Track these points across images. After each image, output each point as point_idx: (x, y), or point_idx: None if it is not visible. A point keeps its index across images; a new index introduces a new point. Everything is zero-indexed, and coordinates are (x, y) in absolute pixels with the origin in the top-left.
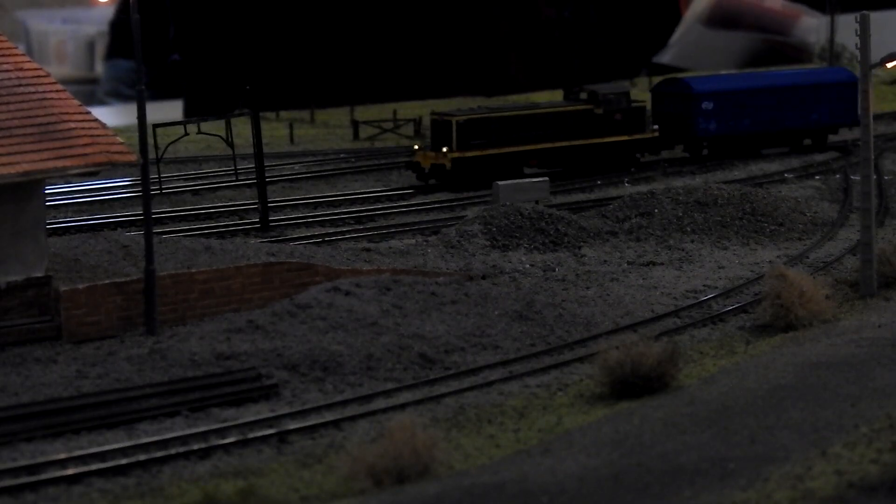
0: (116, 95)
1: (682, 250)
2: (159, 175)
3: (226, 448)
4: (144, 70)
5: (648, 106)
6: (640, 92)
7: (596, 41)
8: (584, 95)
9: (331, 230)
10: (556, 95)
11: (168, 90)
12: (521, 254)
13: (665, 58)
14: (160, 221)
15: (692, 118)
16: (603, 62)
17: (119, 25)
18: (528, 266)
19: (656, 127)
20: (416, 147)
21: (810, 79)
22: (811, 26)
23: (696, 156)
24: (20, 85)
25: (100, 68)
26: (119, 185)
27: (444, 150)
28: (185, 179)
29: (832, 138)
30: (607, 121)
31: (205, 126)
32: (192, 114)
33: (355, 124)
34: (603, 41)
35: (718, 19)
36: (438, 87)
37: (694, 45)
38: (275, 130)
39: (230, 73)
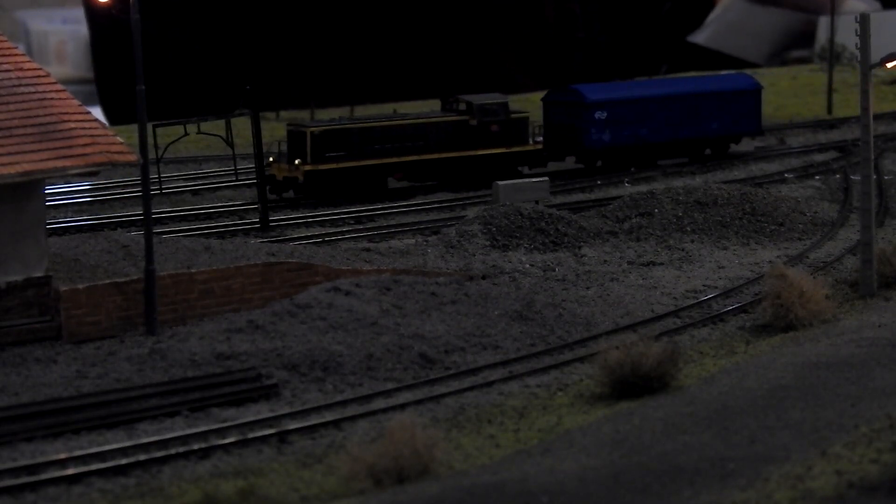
0: None
1: (682, 250)
2: (159, 175)
3: (226, 448)
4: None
5: (539, 116)
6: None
7: (601, 39)
8: (461, 106)
9: (331, 230)
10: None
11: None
12: (521, 254)
13: (700, 38)
14: (160, 221)
15: (584, 128)
16: (610, 60)
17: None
18: (528, 266)
19: (540, 139)
20: (272, 158)
21: (710, 86)
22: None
23: (589, 168)
24: (20, 85)
25: None
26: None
27: (297, 162)
28: (185, 179)
29: (734, 147)
30: (482, 132)
31: (205, 126)
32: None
33: None
34: (607, 38)
35: None
36: (438, 87)
37: (733, 24)
38: (275, 130)
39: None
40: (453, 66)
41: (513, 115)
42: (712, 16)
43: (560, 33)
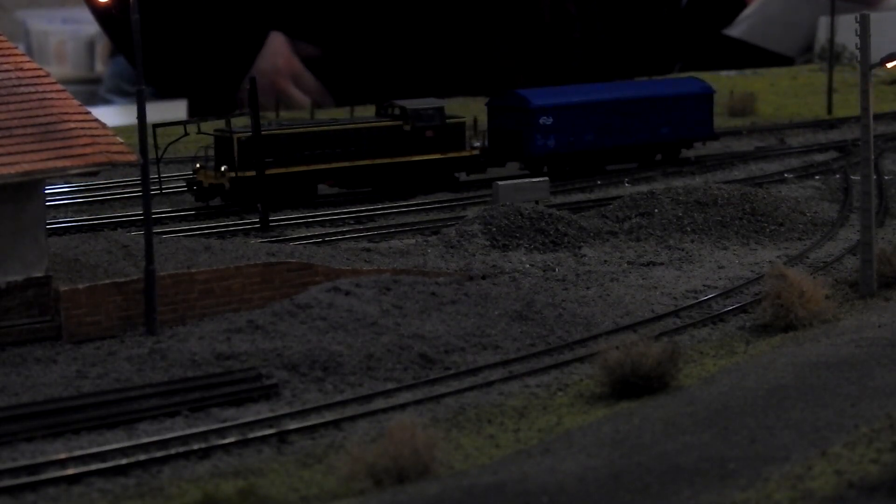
0: (119, 93)
1: (682, 250)
2: (159, 175)
3: (226, 448)
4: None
5: (480, 122)
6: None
7: (602, 37)
8: (395, 111)
9: (331, 230)
10: None
11: (173, 89)
12: (521, 254)
13: (736, 31)
14: (160, 221)
15: (529, 134)
16: (612, 59)
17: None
18: (528, 266)
19: (477, 145)
20: (198, 165)
21: (660, 91)
22: None
23: (536, 174)
24: (20, 85)
25: (101, 67)
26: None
27: (224, 168)
28: (186, 179)
29: (685, 152)
30: (417, 138)
31: (205, 126)
32: (196, 114)
33: None
34: (608, 37)
35: None
36: (438, 87)
37: (773, 17)
38: None
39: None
40: (453, 66)
41: (448, 121)
42: (750, 9)
43: (557, 33)
